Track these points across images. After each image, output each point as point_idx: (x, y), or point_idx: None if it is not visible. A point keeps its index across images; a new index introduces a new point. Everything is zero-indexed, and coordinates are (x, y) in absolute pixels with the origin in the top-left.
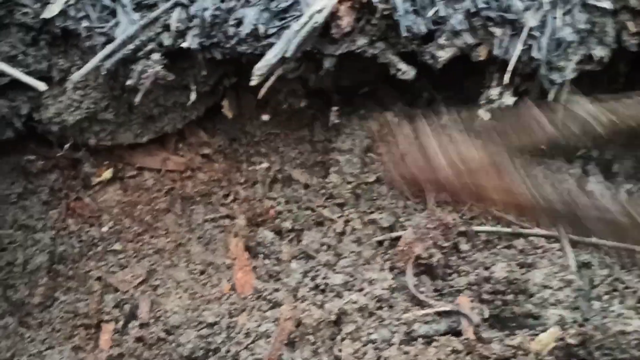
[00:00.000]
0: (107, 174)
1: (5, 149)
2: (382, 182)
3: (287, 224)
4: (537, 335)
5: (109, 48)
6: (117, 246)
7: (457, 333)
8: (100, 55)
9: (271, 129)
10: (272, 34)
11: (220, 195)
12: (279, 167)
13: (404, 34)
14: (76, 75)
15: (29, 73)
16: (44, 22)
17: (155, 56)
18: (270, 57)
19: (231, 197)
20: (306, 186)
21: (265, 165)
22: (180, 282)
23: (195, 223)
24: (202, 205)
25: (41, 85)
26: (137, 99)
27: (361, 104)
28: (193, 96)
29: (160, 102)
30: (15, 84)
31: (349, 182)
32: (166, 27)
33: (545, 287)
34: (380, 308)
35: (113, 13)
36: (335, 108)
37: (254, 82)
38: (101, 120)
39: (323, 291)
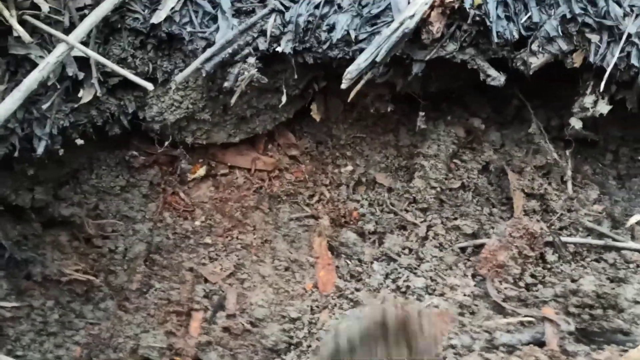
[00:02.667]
0: (201, 171)
1: (112, 145)
2: (467, 188)
3: (370, 226)
4: (626, 351)
5: (210, 51)
6: (208, 240)
7: (540, 344)
8: (201, 58)
9: (357, 133)
10: (363, 39)
11: (305, 196)
12: (363, 170)
13: (496, 40)
14: (179, 77)
15: (135, 75)
16: (152, 27)
17: (251, 60)
18: (361, 61)
19: (316, 198)
20: (390, 190)
21: (350, 168)
22: (265, 277)
23: (281, 221)
24: (288, 204)
25: (149, 85)
26: (233, 100)
27: (448, 109)
28: (284, 99)
29: (253, 104)
30: (123, 84)
31: (433, 188)
32: (262, 32)
33: (638, 303)
34: (461, 314)
35: (214, 19)
36: (422, 113)
37: (344, 85)
38: (198, 120)
39: (404, 293)
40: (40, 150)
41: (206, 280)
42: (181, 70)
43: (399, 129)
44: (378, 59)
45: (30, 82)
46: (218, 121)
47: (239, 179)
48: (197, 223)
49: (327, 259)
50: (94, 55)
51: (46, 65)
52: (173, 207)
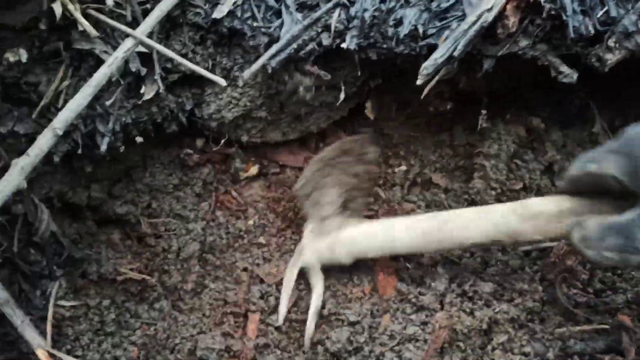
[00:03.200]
0: (253, 169)
1: (166, 142)
2: (529, 189)
3: None
4: None
5: (276, 47)
6: (262, 240)
7: (618, 353)
8: (268, 54)
9: (410, 132)
10: (431, 35)
11: None
12: (418, 170)
13: (572, 35)
14: (247, 73)
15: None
16: (213, 22)
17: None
18: (438, 56)
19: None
20: (446, 190)
21: (404, 167)
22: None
23: None
24: None
25: (222, 81)
26: (295, 98)
27: (506, 107)
28: (342, 96)
29: (309, 101)
30: (182, 80)
31: (493, 188)
32: (326, 27)
33: None
34: (531, 320)
35: (277, 13)
36: (484, 112)
37: (420, 81)
38: (255, 118)
39: (471, 299)
40: (103, 147)
41: (262, 281)
42: (240, 67)
43: (454, 128)
44: (455, 54)
45: (99, 77)
46: (274, 119)
47: (291, 177)
48: (250, 222)
49: (387, 261)
50: (163, 50)
51: (115, 60)
52: (226, 206)
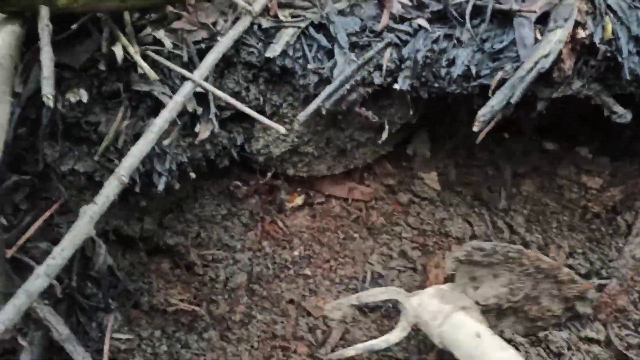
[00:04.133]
0: (299, 200)
1: (216, 174)
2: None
3: None
4: None
5: (329, 89)
6: (308, 271)
7: None
8: (322, 96)
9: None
10: (484, 75)
11: (404, 227)
12: None
13: (627, 77)
14: (302, 115)
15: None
16: (266, 60)
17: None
18: (495, 102)
19: (415, 229)
20: (494, 224)
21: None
22: (367, 312)
23: (379, 252)
24: (386, 234)
25: (282, 129)
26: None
27: (551, 140)
28: (384, 135)
29: (355, 137)
30: (234, 115)
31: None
32: (378, 67)
33: None
34: None
35: (328, 53)
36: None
37: (476, 127)
38: (301, 153)
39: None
40: (161, 186)
41: (309, 314)
42: (289, 104)
43: (498, 162)
44: (513, 101)
45: (161, 122)
46: (320, 154)
47: (336, 208)
48: (296, 253)
49: None
50: (225, 97)
51: (175, 105)
52: (272, 236)
